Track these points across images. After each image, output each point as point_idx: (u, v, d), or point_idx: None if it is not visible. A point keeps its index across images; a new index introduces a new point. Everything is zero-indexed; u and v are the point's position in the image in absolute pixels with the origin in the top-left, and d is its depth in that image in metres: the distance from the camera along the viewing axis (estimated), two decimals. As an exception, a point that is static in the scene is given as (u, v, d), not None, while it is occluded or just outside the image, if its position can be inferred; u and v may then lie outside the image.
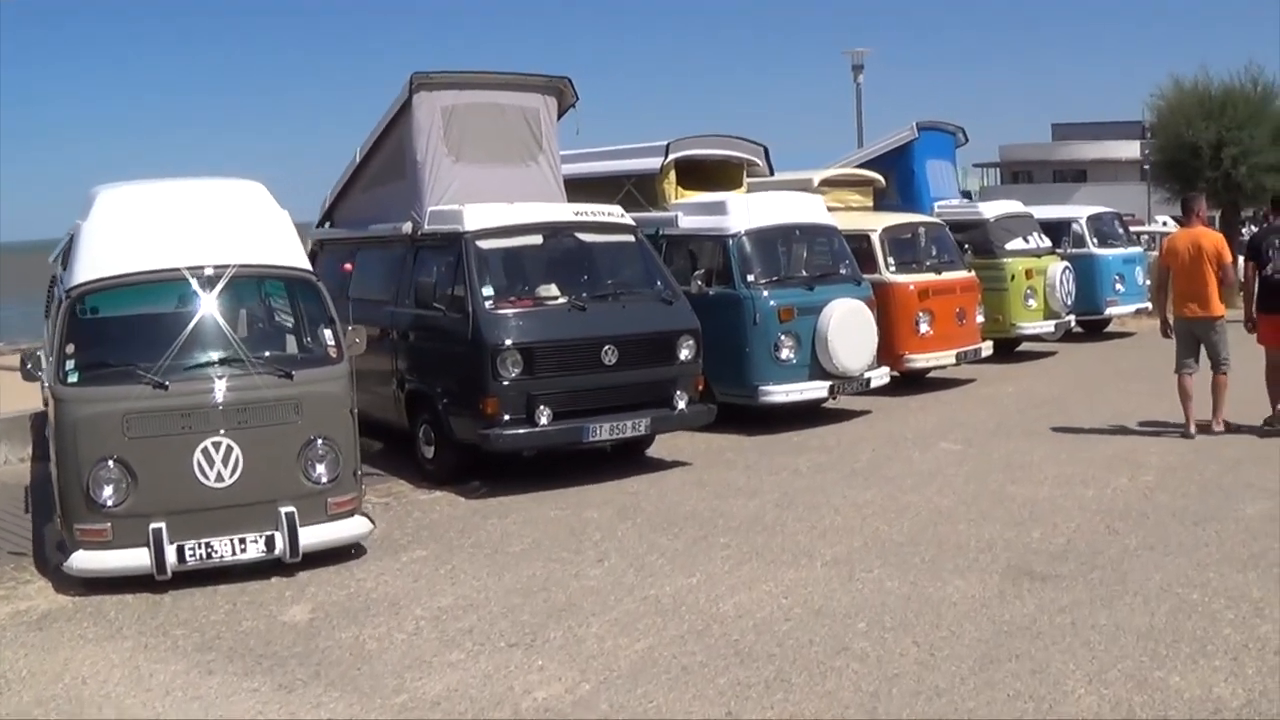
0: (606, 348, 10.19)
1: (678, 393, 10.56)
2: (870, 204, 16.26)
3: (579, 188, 14.21)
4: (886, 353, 13.92)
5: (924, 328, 14.40)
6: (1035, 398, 13.95)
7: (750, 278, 12.38)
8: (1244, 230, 26.98)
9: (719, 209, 12.84)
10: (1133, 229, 34.10)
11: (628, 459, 11.01)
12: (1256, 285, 11.40)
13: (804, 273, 12.98)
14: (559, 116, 12.14)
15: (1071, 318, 17.74)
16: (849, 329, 12.36)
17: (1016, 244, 17.17)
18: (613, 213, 11.32)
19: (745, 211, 12.72)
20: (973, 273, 15.32)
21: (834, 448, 11.41)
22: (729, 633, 6.44)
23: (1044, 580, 7.03)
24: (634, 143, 14.35)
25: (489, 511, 9.55)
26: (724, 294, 12.42)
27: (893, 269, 14.46)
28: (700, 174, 13.92)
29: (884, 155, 18.05)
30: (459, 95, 11.46)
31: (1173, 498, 8.86)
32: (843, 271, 13.27)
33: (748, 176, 14.35)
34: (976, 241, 16.91)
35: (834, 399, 12.77)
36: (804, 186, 15.20)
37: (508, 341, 9.95)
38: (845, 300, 12.48)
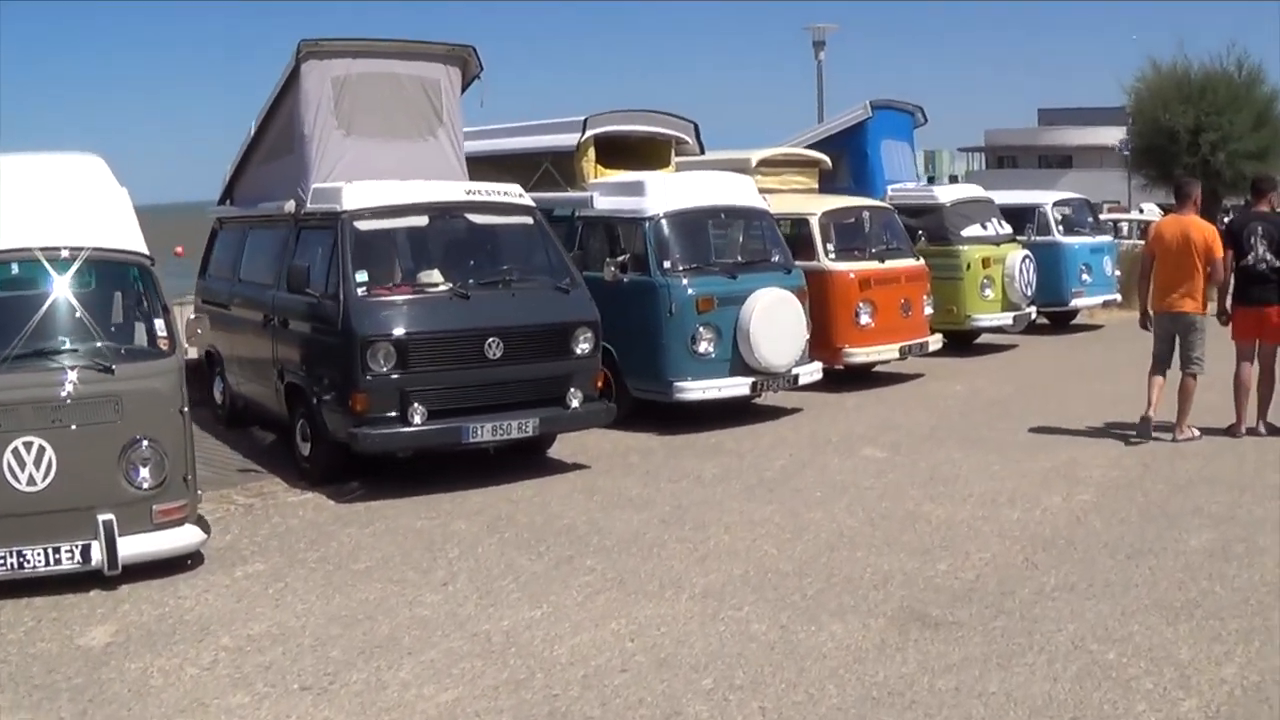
0: (490, 340, 9.24)
1: (572, 390, 9.61)
2: (815, 186, 15.23)
3: (494, 166, 13.29)
4: (824, 346, 13.01)
5: (865, 319, 13.39)
6: (982, 397, 12.97)
7: (667, 264, 11.37)
8: (1224, 219, 26.05)
9: (636, 190, 11.82)
10: (1111, 217, 33.19)
11: (527, 460, 10.07)
12: (1233, 275, 10.48)
13: (729, 259, 11.95)
14: (463, 88, 11.14)
15: (1033, 310, 16.72)
16: (773, 321, 11.36)
17: (973, 231, 16.16)
18: (509, 192, 10.34)
19: (664, 192, 11.71)
20: (921, 261, 14.30)
21: (749, 451, 10.43)
22: (551, 685, 5.46)
23: (936, 628, 6.02)
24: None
25: (353, 518, 8.63)
26: (639, 282, 11.44)
27: (832, 256, 13.44)
28: (625, 152, 12.89)
29: (836, 135, 17.02)
30: (351, 64, 10.48)
31: (1107, 524, 7.86)
32: (774, 259, 12.26)
33: (676, 155, 13.32)
34: (931, 227, 15.90)
35: (759, 396, 11.76)
36: (741, 167, 14.13)
37: (378, 332, 9.05)
38: (771, 290, 11.47)
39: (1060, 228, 18.21)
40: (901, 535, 7.70)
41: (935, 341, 14.28)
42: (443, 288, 9.52)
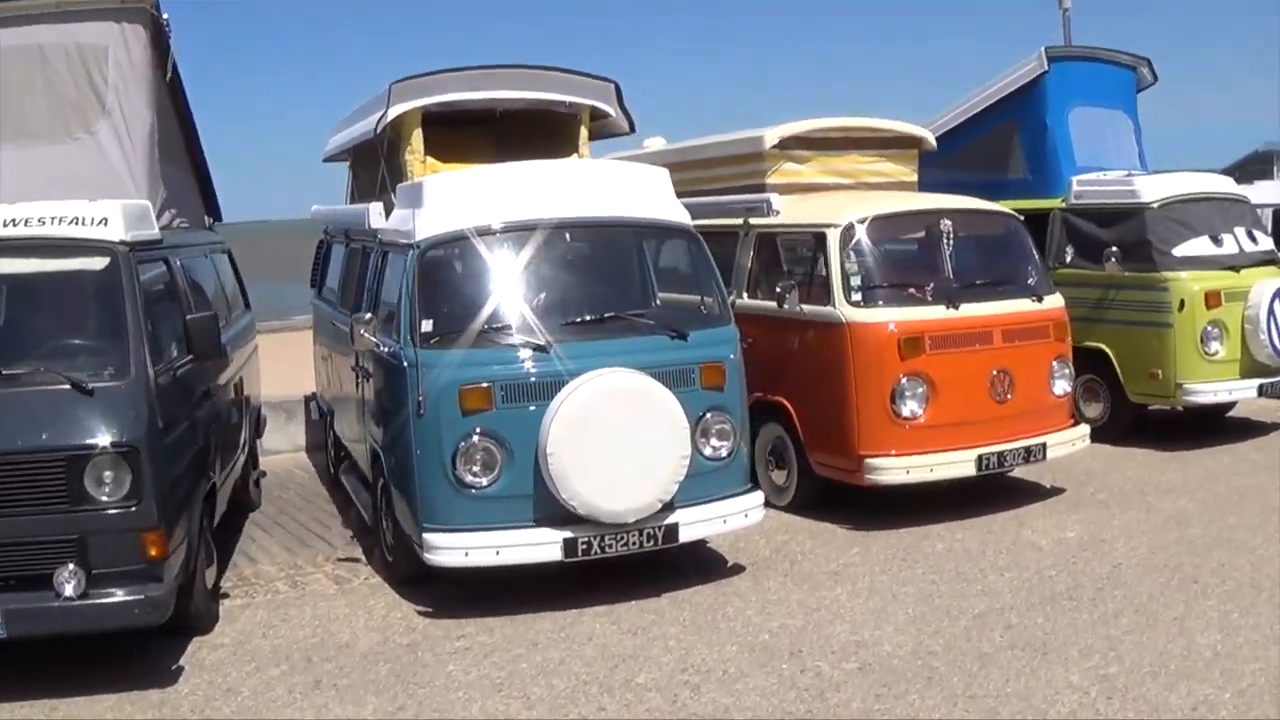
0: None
1: (71, 568, 5.13)
2: (911, 177, 9.60)
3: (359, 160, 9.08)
4: (839, 449, 7.73)
5: (910, 408, 7.84)
6: (1086, 569, 7.15)
7: (428, 326, 6.50)
8: None
9: (413, 198, 7.04)
10: None
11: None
12: None
13: (572, 316, 6.82)
14: (163, 58, 7.25)
15: (1305, 375, 10.18)
16: (600, 433, 6.24)
17: (1197, 247, 9.90)
18: (85, 218, 6.03)
19: (448, 203, 6.82)
20: (1049, 302, 8.46)
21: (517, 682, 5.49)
22: None
23: None
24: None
25: None
26: (393, 355, 6.68)
27: (857, 298, 7.93)
28: (505, 135, 8.11)
29: (1004, 101, 11.21)
30: None
31: None
32: (707, 306, 7.09)
33: (594, 136, 8.33)
34: (1127, 241, 9.90)
35: (591, 556, 6.59)
36: (747, 150, 8.96)
37: None
38: (609, 375, 6.34)
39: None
40: None
41: (1069, 440, 8.43)
42: None
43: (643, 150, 10.32)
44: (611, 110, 8.19)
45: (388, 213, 7.54)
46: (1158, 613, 6.26)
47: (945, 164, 10.88)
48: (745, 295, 8.61)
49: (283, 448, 10.78)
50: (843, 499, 8.22)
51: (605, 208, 6.94)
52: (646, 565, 6.94)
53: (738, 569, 7.17)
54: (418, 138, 7.74)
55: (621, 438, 6.26)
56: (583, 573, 6.68)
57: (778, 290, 7.95)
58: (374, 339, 6.77)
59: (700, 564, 7.23)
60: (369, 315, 6.93)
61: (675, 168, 9.21)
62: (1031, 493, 8.70)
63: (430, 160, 7.75)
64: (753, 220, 8.59)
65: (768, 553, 7.46)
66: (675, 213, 7.14)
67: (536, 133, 8.22)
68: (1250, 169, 27.29)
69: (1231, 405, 10.58)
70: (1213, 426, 10.61)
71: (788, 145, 8.95)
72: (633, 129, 8.42)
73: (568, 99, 8.05)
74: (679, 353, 6.64)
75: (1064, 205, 10.42)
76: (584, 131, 8.16)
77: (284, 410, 10.79)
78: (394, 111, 7.60)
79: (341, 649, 6.18)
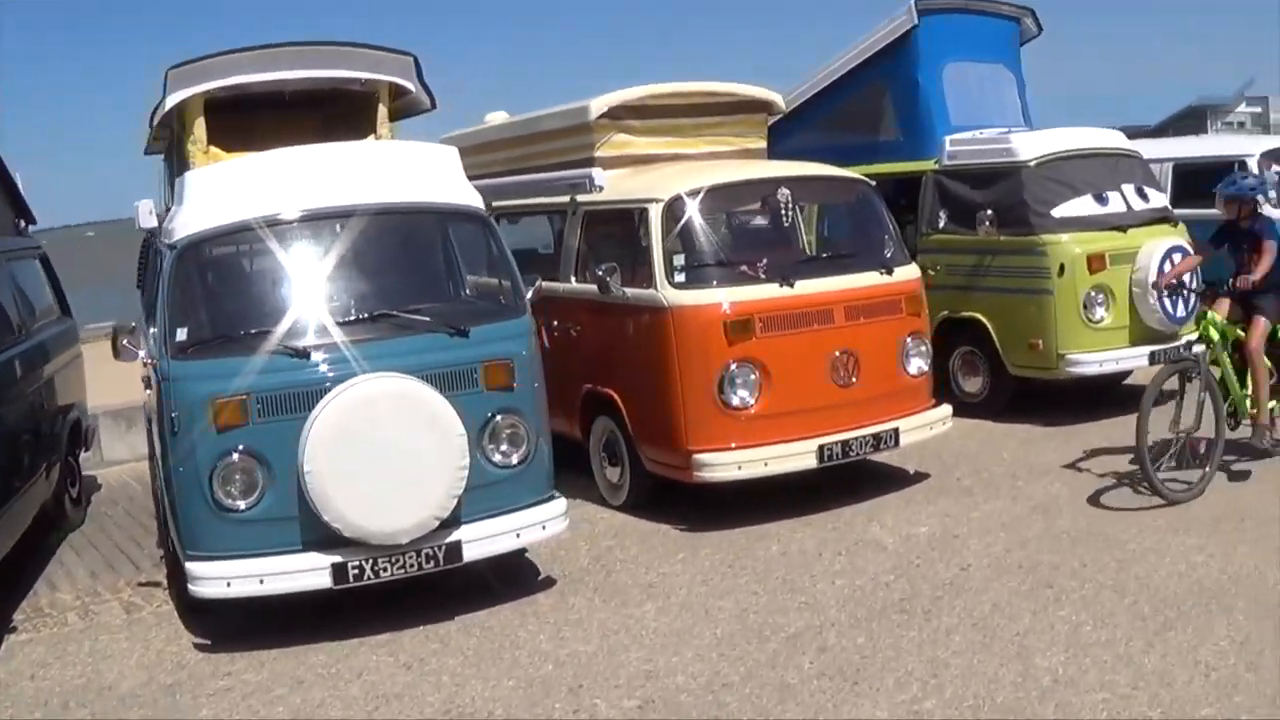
0: None
1: None
2: (761, 144, 9.02)
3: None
4: (666, 443, 7.19)
5: (741, 397, 7.29)
6: (949, 562, 6.74)
7: (183, 335, 5.94)
8: None
9: (179, 194, 6.49)
10: None
11: None
12: None
13: (333, 318, 6.20)
14: None
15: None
16: (360, 447, 5.70)
17: (1077, 207, 9.38)
18: None
19: (207, 199, 6.25)
20: (902, 274, 7.91)
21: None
22: None
23: None
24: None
25: None
26: (154, 368, 6.15)
27: (680, 279, 7.36)
28: (300, 118, 7.52)
29: (873, 59, 10.64)
30: None
31: None
32: (505, 296, 6.53)
33: (394, 116, 7.75)
34: (1004, 204, 9.37)
35: (364, 581, 6.02)
36: (575, 122, 8.39)
37: None
38: (364, 382, 5.79)
39: (1277, 195, 10.69)
40: None
41: (927, 423, 7.92)
42: None
43: (482, 126, 9.75)
44: (411, 86, 7.61)
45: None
46: (998, 628, 5.68)
47: (816, 128, 10.40)
48: (573, 279, 8.07)
49: (125, 457, 10.26)
50: (685, 496, 7.70)
51: (382, 193, 6.36)
52: (452, 580, 6.41)
53: (547, 583, 6.65)
54: (200, 126, 7.17)
55: (387, 450, 5.73)
56: (379, 593, 6.15)
57: (599, 273, 7.40)
58: (138, 351, 6.21)
59: (508, 577, 6.71)
60: (133, 324, 6.37)
61: (511, 143, 8.72)
62: (892, 481, 8.20)
63: (214, 150, 7.17)
64: (579, 198, 8.03)
65: (586, 562, 6.95)
66: (462, 195, 6.57)
67: (335, 115, 7.64)
68: (1184, 124, 26.90)
69: (1125, 375, 10.06)
70: (1107, 397, 10.09)
71: (618, 115, 8.37)
72: (434, 105, 7.85)
73: (363, 76, 7.46)
74: (458, 352, 6.09)
75: (937, 167, 9.89)
76: (383, 110, 7.57)
77: (125, 419, 10.25)
78: (172, 100, 7.01)
79: (103, 691, 5.68)
